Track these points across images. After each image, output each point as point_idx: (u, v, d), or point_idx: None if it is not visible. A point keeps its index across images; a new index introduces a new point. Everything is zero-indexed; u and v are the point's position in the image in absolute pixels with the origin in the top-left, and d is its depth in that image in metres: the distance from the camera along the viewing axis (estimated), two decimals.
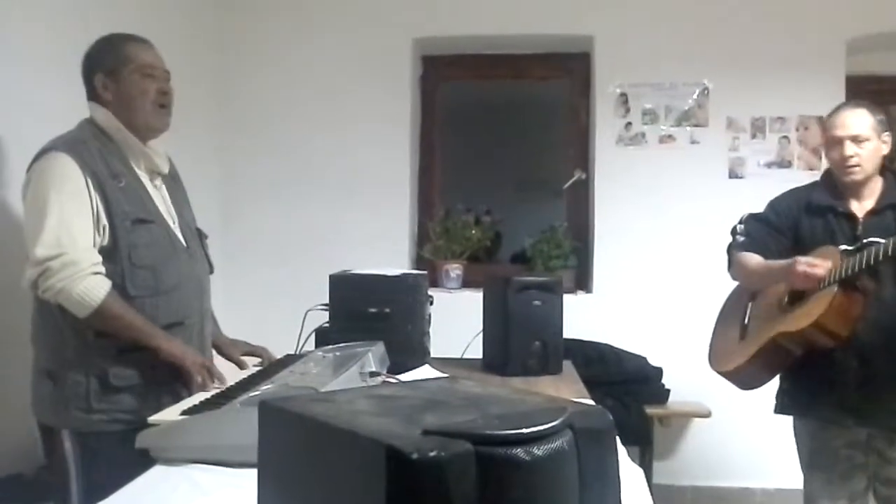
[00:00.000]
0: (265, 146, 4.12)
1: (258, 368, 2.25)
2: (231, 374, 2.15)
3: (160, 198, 2.15)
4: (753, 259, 2.48)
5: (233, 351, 2.37)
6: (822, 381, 2.37)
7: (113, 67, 2.05)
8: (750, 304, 2.58)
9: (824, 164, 3.86)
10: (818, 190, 2.53)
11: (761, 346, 2.39)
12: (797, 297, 2.37)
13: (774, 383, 2.57)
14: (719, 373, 2.58)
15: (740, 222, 2.61)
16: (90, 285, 1.88)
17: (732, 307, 2.68)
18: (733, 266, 2.59)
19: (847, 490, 2.43)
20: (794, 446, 2.59)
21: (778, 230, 2.51)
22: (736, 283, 2.70)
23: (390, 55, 4.07)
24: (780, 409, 2.57)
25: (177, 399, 1.92)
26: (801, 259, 2.28)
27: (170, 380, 2.01)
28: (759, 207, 3.82)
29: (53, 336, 1.98)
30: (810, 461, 2.51)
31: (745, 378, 2.53)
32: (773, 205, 2.59)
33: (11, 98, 2.37)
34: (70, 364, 1.96)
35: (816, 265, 2.24)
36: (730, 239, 2.63)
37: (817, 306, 2.24)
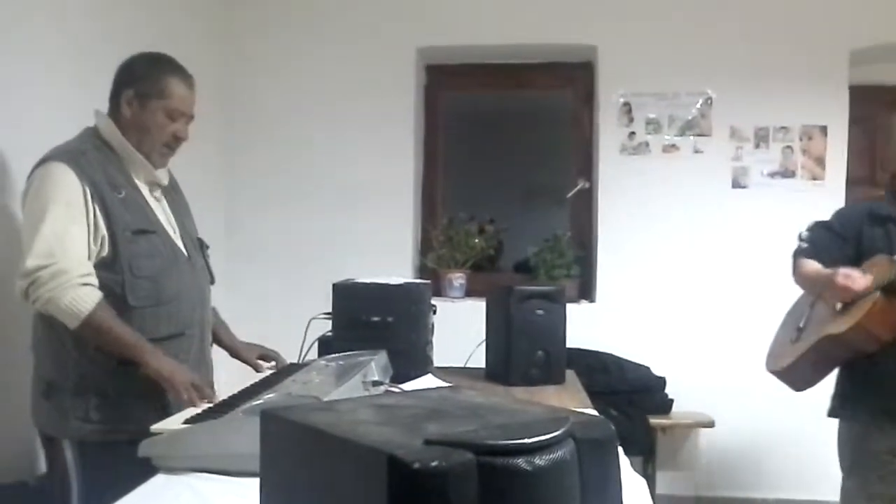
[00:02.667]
0: (269, 155, 4.13)
1: (270, 372, 2.25)
2: (246, 377, 2.17)
3: (160, 209, 2.15)
4: (811, 266, 2.53)
5: (248, 354, 2.38)
6: (865, 384, 2.42)
7: (146, 92, 2.06)
8: (808, 309, 2.61)
9: (828, 174, 3.90)
10: (883, 201, 2.60)
11: (808, 348, 2.44)
12: (850, 303, 2.40)
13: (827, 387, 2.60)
14: (771, 372, 2.63)
15: (807, 229, 2.64)
16: (78, 296, 1.87)
17: (794, 311, 2.72)
18: (795, 272, 2.63)
19: (885, 493, 2.43)
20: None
21: (842, 238, 2.55)
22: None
23: (394, 65, 4.08)
24: (831, 412, 2.60)
25: (177, 409, 1.91)
26: (841, 271, 2.33)
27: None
28: (762, 217, 3.86)
29: (54, 346, 1.98)
30: (851, 464, 2.52)
31: (794, 378, 2.57)
32: (839, 213, 2.65)
33: (13, 104, 2.37)
34: (70, 374, 1.96)
35: (854, 278, 2.30)
36: (794, 245, 2.67)
37: (860, 310, 2.30)
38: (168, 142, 2.11)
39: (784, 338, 2.66)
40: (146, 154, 2.09)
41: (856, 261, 2.43)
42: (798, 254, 2.61)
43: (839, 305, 2.43)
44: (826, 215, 3.84)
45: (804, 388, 2.60)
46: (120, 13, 2.95)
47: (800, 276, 2.59)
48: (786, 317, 2.77)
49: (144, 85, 2.06)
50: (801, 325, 2.59)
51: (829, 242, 2.55)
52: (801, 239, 2.63)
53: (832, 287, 2.36)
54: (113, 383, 1.96)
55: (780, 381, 2.62)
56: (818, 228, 2.62)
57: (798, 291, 2.74)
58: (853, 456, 2.51)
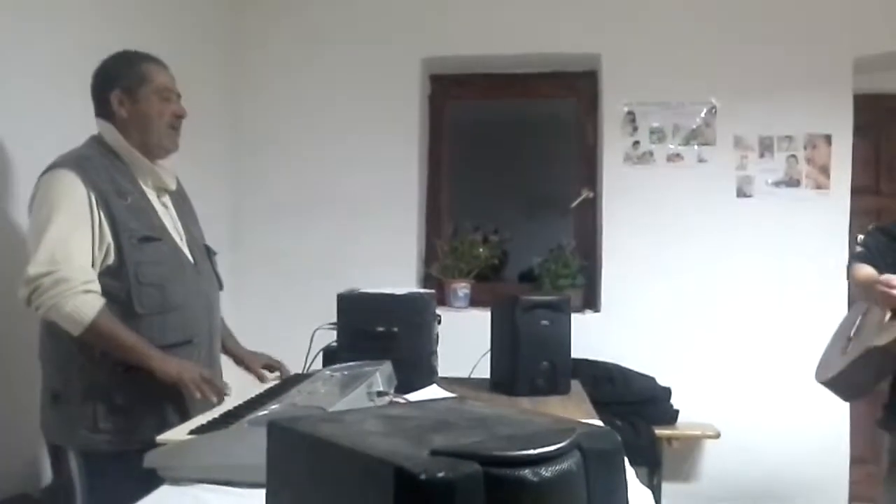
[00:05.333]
0: (275, 165, 4.14)
1: (275, 383, 2.25)
2: (251, 386, 2.17)
3: (168, 215, 2.15)
4: (864, 270, 2.48)
5: (253, 364, 2.38)
6: None
7: (131, 86, 2.08)
8: (860, 318, 2.58)
9: (832, 183, 3.89)
10: None
11: (854, 359, 2.41)
12: None
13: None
14: (820, 382, 2.59)
15: (866, 233, 2.61)
16: (80, 303, 1.88)
17: (847, 321, 2.69)
18: (848, 277, 2.60)
19: None
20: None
21: None
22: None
23: (399, 75, 4.09)
24: (881, 423, 2.56)
25: (184, 418, 1.92)
26: (883, 278, 2.29)
27: (176, 399, 2.01)
28: (767, 226, 3.85)
29: (61, 355, 1.99)
30: (890, 475, 2.49)
31: (841, 388, 2.54)
32: None
33: (21, 111, 2.38)
34: (77, 384, 1.97)
35: (893, 287, 2.26)
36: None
37: None
38: (170, 122, 2.13)
39: (835, 347, 2.62)
40: (156, 143, 2.11)
41: None
42: (853, 258, 2.57)
43: (888, 315, 2.38)
44: (831, 224, 3.84)
45: (853, 399, 2.57)
46: (127, 23, 2.97)
47: (853, 281, 2.54)
48: (840, 325, 2.73)
49: (126, 80, 2.08)
50: (851, 334, 2.55)
51: (885, 247, 2.50)
52: (857, 244, 2.59)
53: (872, 293, 2.33)
54: (121, 391, 1.96)
55: (830, 391, 2.57)
56: (875, 232, 2.58)
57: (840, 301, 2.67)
58: (893, 468, 2.47)
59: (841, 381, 2.48)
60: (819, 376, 2.61)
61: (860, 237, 2.61)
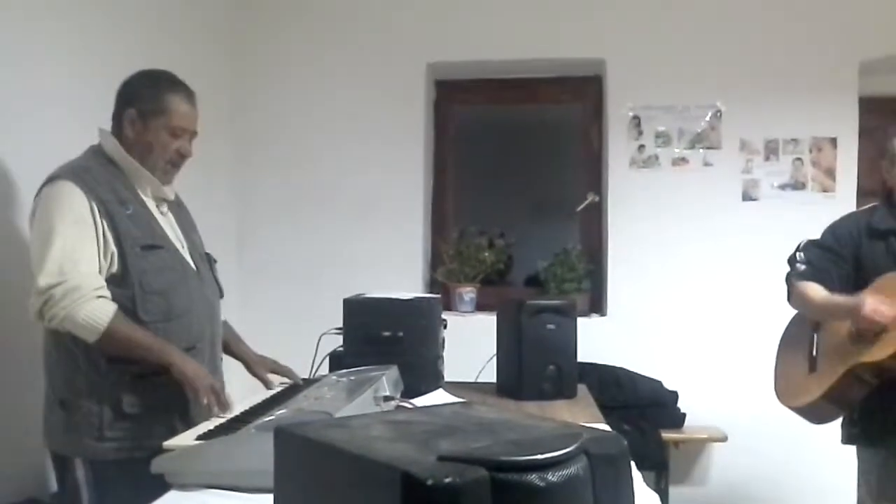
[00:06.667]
0: (279, 170, 4.15)
1: (283, 387, 2.25)
2: (258, 391, 2.17)
3: (168, 223, 2.16)
4: (816, 292, 2.43)
5: (259, 369, 2.36)
6: (893, 410, 2.35)
7: (147, 111, 2.07)
8: (815, 335, 2.52)
9: (838, 186, 3.89)
10: (878, 213, 2.51)
11: (838, 379, 2.35)
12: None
13: None
14: (791, 408, 2.53)
15: (798, 249, 2.56)
16: (94, 309, 1.88)
17: (795, 337, 2.62)
18: (793, 296, 2.53)
19: None
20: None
21: (839, 256, 2.47)
22: (794, 311, 2.65)
23: (404, 80, 4.10)
24: (847, 439, 2.53)
25: (190, 425, 1.92)
26: (869, 301, 2.26)
27: (183, 406, 2.01)
28: (773, 229, 3.84)
29: (66, 364, 1.99)
30: (878, 491, 2.46)
31: (819, 412, 2.48)
32: (833, 230, 2.55)
33: (19, 119, 2.38)
34: (83, 392, 1.96)
35: (882, 312, 2.23)
36: (786, 267, 2.57)
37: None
38: (172, 159, 2.12)
39: (795, 369, 2.55)
40: (150, 172, 2.10)
41: (856, 279, 2.36)
42: (796, 276, 2.51)
43: (853, 330, 2.36)
44: None
45: (828, 422, 2.49)
46: (129, 29, 2.97)
47: (804, 302, 2.49)
48: (783, 343, 2.67)
49: (146, 103, 2.07)
50: (813, 353, 2.50)
51: (826, 263, 2.47)
52: (795, 261, 2.53)
53: (857, 318, 2.28)
54: (127, 399, 1.96)
55: (800, 416, 2.52)
56: (812, 248, 2.53)
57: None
58: (880, 483, 2.44)
59: (823, 403, 2.42)
60: (789, 401, 2.53)
61: (798, 254, 2.54)
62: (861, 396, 2.39)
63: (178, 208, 2.26)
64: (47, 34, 2.54)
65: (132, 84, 2.12)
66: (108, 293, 1.92)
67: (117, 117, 2.10)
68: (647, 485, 1.69)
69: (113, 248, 1.96)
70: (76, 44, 2.67)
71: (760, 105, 3.91)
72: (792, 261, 2.56)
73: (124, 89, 2.12)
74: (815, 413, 2.49)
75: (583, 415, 2.27)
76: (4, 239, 2.29)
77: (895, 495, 2.41)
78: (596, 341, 3.63)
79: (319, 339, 2.49)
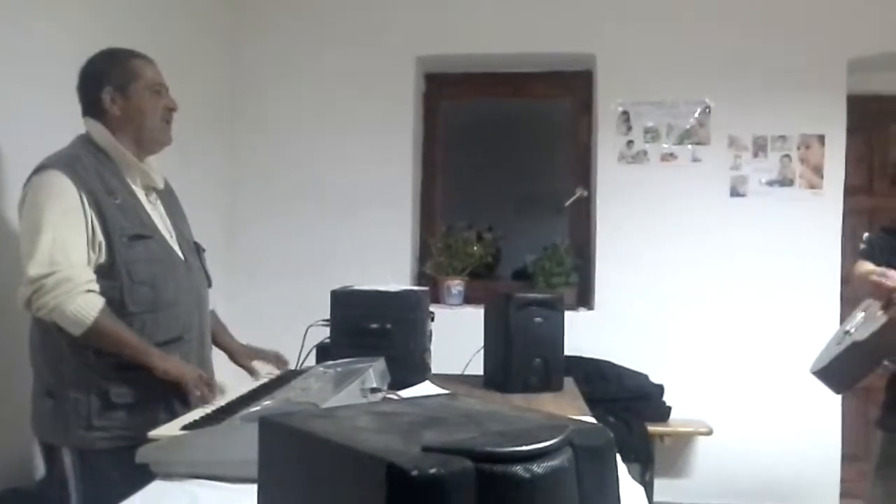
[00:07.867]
0: (269, 163, 4.14)
1: (270, 377, 2.24)
2: (246, 381, 2.16)
3: (157, 213, 2.15)
4: (862, 266, 2.48)
5: (243, 359, 2.37)
6: (893, 392, 2.42)
7: (121, 83, 2.07)
8: (861, 313, 2.57)
9: (826, 183, 3.91)
10: None
11: (839, 353, 2.43)
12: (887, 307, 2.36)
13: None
14: (811, 373, 2.59)
15: (874, 233, 2.62)
16: (83, 303, 1.87)
17: (851, 315, 2.69)
18: (851, 273, 2.60)
19: None
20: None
21: None
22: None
23: (393, 73, 4.09)
24: (878, 423, 2.57)
25: (176, 415, 1.91)
26: (877, 269, 2.31)
27: (169, 396, 2.01)
28: (760, 225, 3.87)
29: (53, 354, 1.98)
30: (877, 470, 2.51)
31: (830, 379, 2.54)
32: None
33: (8, 110, 2.37)
34: (70, 382, 1.96)
35: (889, 276, 2.27)
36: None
37: (886, 317, 2.28)
38: (164, 115, 2.13)
39: (833, 340, 2.63)
40: (150, 138, 2.11)
41: None
42: (857, 255, 2.57)
43: (879, 311, 2.39)
44: (824, 223, 3.84)
45: (841, 391, 2.56)
46: (121, 21, 2.96)
47: (855, 277, 2.54)
48: (847, 320, 2.74)
49: (117, 77, 2.07)
50: (848, 328, 2.56)
51: (885, 244, 2.52)
52: (862, 241, 2.60)
53: (867, 285, 2.34)
54: (114, 389, 1.96)
55: (820, 381, 2.58)
56: (881, 231, 2.60)
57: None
58: (880, 462, 2.49)
59: (828, 373, 2.50)
60: (812, 366, 2.62)
61: (866, 235, 2.62)
62: (865, 370, 2.44)
63: (167, 196, 2.25)
64: (41, 29, 2.53)
65: (93, 67, 2.11)
66: (97, 287, 1.92)
67: (94, 104, 2.08)
68: (633, 477, 1.70)
69: (101, 238, 1.95)
70: (67, 33, 2.65)
71: (749, 101, 3.92)
72: (860, 242, 2.62)
73: (88, 77, 2.10)
74: (827, 379, 2.53)
75: (569, 407, 2.28)
76: None
77: (890, 475, 2.44)
78: (583, 335, 3.65)
79: (307, 331, 2.48)
